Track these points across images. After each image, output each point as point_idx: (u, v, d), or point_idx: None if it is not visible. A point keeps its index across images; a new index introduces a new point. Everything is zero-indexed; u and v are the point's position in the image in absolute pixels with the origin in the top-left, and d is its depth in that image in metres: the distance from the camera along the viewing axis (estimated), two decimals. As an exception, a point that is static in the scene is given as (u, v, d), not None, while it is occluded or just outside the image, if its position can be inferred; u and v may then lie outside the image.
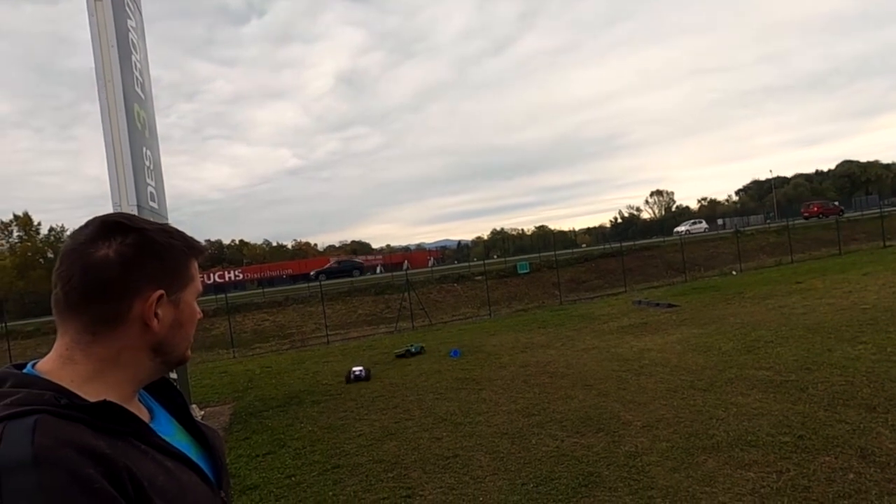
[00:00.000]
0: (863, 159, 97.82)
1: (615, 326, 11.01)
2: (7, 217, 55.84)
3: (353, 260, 45.77)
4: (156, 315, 0.79)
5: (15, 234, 55.36)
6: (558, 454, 4.62)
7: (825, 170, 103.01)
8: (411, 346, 10.72)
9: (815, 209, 42.64)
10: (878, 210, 34.45)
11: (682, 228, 48.27)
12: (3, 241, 55.17)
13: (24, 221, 55.00)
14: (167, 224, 0.88)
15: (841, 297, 10.84)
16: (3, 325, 22.59)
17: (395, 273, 35.49)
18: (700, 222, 51.70)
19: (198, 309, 0.88)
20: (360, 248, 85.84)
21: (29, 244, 53.46)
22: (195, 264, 0.87)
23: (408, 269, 37.38)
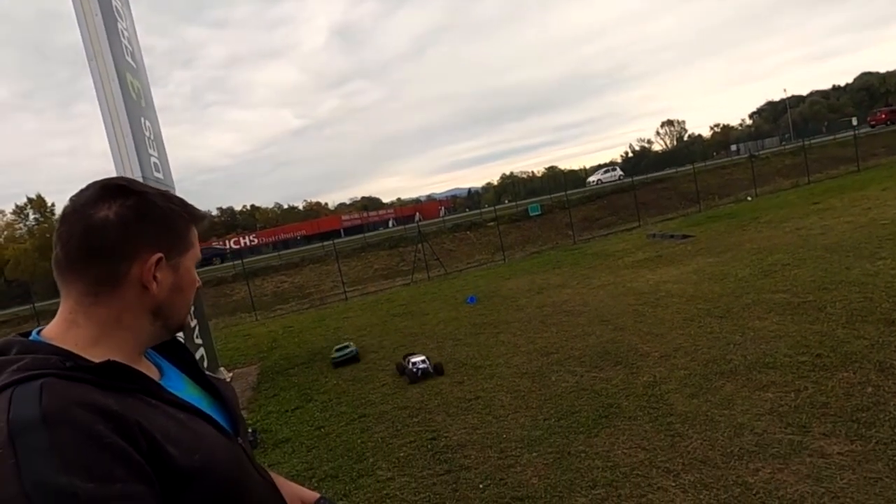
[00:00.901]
0: (882, 70, 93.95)
1: (630, 261, 10.98)
2: (22, 201, 56.58)
3: (212, 246, 41.05)
4: (154, 278, 0.79)
5: (31, 216, 56.19)
6: (578, 389, 4.70)
7: (843, 84, 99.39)
8: (347, 345, 7.54)
9: (884, 116, 40.18)
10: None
11: (593, 178, 44.57)
12: (21, 225, 56.07)
13: (39, 204, 55.69)
14: (168, 191, 0.88)
15: (860, 214, 10.65)
16: (32, 306, 23.21)
17: (407, 226, 35.54)
18: (614, 169, 46.72)
19: (196, 277, 0.89)
20: (370, 203, 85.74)
21: (46, 225, 54.25)
22: (194, 231, 0.87)
23: (420, 220, 37.36)
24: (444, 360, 6.33)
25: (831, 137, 36.82)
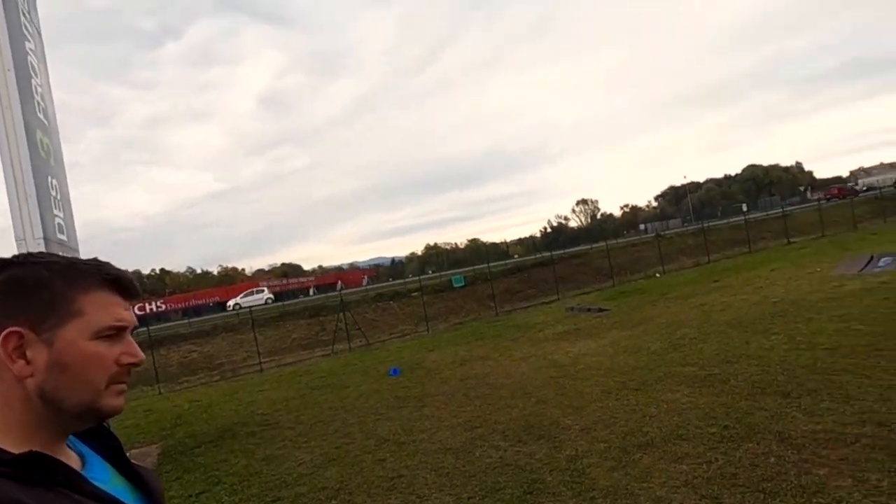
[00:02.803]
0: (765, 163, 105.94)
1: (550, 333, 11.28)
2: None
3: None
4: (24, 356, 0.71)
5: None
6: (502, 464, 4.65)
7: (733, 174, 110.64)
8: None
9: (836, 192, 49.15)
10: (781, 210, 37.36)
11: (232, 302, 35.93)
12: None
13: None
14: (75, 257, 0.81)
15: (753, 292, 11.62)
16: None
17: (328, 294, 34.78)
18: (261, 291, 38.81)
19: (107, 350, 0.76)
20: (290, 270, 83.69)
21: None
22: (91, 297, 0.75)
23: (342, 289, 36.73)
24: (365, 436, 6.08)
25: (725, 221, 40.49)
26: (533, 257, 36.83)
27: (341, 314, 17.19)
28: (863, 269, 11.48)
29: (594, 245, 36.36)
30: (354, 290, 37.23)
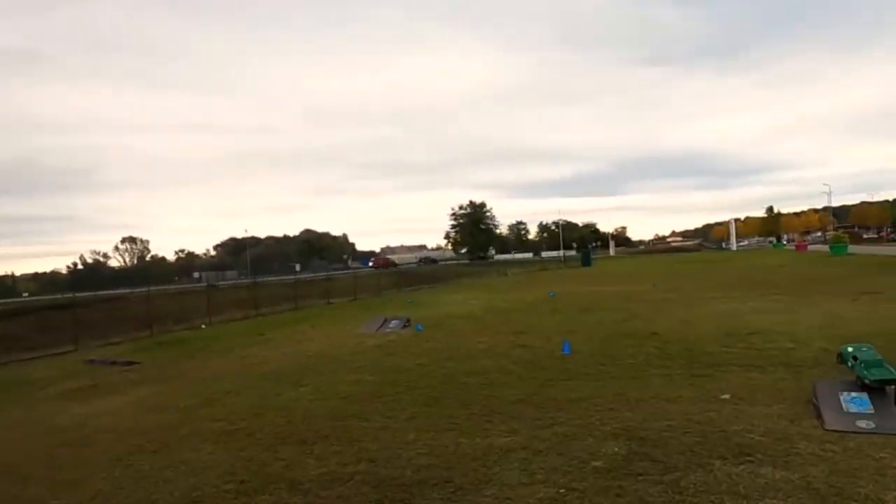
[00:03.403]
0: (320, 229, 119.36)
1: (55, 392, 9.21)
2: None
3: None
4: None
5: None
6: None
7: (291, 235, 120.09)
8: None
9: (380, 262, 64.93)
10: (326, 273, 42.31)
11: None
12: None
13: None
14: None
15: (293, 346, 12.40)
16: None
17: None
18: None
19: None
20: None
21: None
22: None
23: None
24: None
25: (279, 278, 43.10)
26: (50, 297, 30.40)
27: None
28: (379, 328, 13.78)
29: (136, 289, 32.77)
30: None
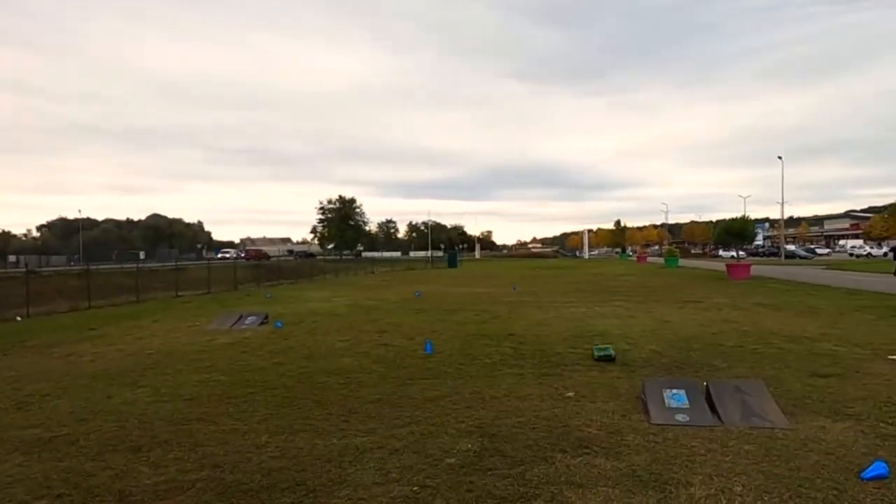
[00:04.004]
0: (171, 215, 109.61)
1: None
2: None
3: None
4: None
5: None
6: None
7: (136, 219, 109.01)
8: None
9: (252, 254, 60.18)
10: (175, 263, 38.92)
11: None
12: None
13: None
14: None
15: (131, 342, 11.22)
16: None
17: None
18: None
19: None
20: None
21: None
22: None
23: None
24: None
25: (119, 266, 38.80)
26: None
27: None
28: (233, 325, 12.96)
29: (-63, 273, 27.84)
30: None
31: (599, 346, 8.61)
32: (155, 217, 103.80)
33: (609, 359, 8.10)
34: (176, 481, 4.14)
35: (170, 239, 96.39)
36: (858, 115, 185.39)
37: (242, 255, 74.01)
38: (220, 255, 74.57)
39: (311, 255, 76.40)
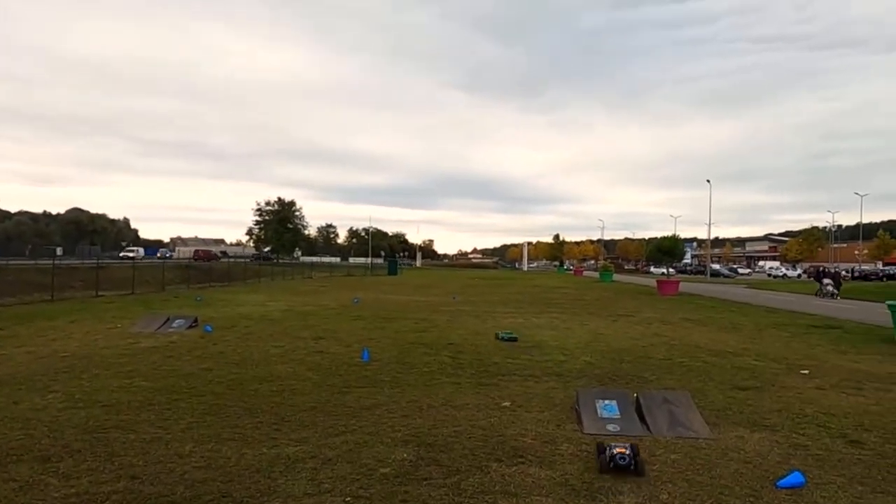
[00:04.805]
0: (93, 210, 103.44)
1: None
2: None
3: None
4: None
5: None
6: None
7: (54, 212, 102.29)
8: None
9: (202, 255, 59.27)
10: (97, 261, 36.69)
11: None
12: None
13: None
14: None
15: (44, 344, 10.46)
16: None
17: None
18: None
19: None
20: None
21: None
22: None
23: None
24: None
25: (33, 262, 36.10)
26: None
27: None
28: (159, 328, 12.32)
29: None
30: None
31: (505, 332, 11.55)
32: (76, 211, 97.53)
33: (513, 339, 10.87)
34: (88, 493, 3.85)
35: (92, 235, 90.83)
36: (775, 145, 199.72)
37: (170, 255, 69.63)
38: (122, 255, 63.56)
39: (268, 257, 73.54)
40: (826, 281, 29.79)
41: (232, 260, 59.22)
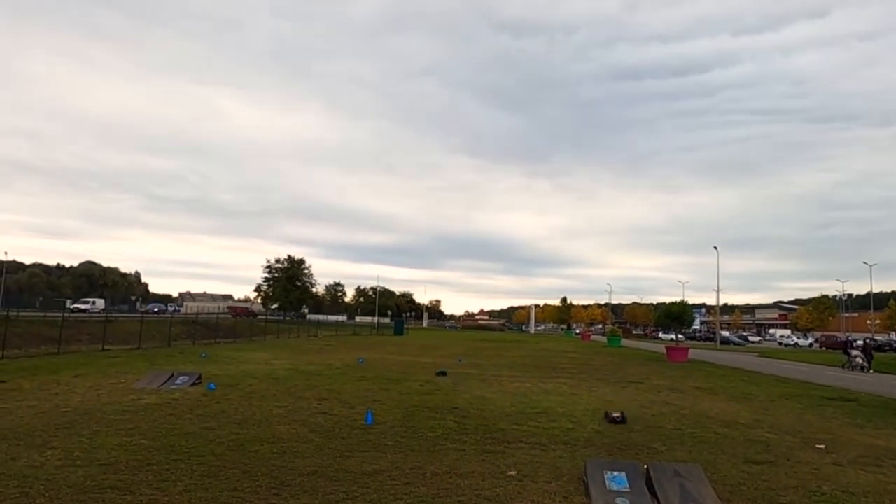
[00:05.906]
0: (105, 263, 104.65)
1: None
2: None
3: None
4: None
5: None
6: None
7: (67, 265, 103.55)
8: None
9: (241, 311, 61.06)
10: (105, 314, 36.79)
11: None
12: None
13: None
14: None
15: (46, 398, 10.38)
16: None
17: None
18: None
19: None
20: None
21: None
22: None
23: None
24: None
25: (42, 314, 36.24)
26: None
27: None
28: (162, 384, 12.21)
29: None
30: None
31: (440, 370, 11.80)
32: (88, 264, 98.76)
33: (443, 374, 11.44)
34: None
35: (103, 288, 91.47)
36: (777, 214, 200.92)
37: (227, 311, 69.03)
38: (73, 307, 52.72)
39: (302, 315, 73.01)
40: (855, 353, 27.75)
41: (267, 317, 55.95)
